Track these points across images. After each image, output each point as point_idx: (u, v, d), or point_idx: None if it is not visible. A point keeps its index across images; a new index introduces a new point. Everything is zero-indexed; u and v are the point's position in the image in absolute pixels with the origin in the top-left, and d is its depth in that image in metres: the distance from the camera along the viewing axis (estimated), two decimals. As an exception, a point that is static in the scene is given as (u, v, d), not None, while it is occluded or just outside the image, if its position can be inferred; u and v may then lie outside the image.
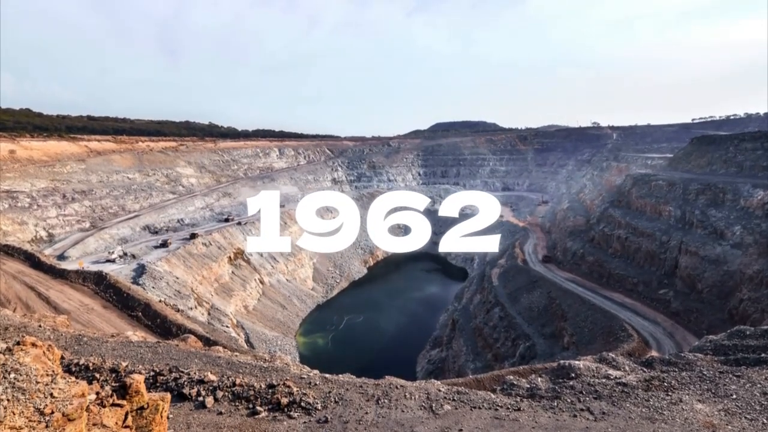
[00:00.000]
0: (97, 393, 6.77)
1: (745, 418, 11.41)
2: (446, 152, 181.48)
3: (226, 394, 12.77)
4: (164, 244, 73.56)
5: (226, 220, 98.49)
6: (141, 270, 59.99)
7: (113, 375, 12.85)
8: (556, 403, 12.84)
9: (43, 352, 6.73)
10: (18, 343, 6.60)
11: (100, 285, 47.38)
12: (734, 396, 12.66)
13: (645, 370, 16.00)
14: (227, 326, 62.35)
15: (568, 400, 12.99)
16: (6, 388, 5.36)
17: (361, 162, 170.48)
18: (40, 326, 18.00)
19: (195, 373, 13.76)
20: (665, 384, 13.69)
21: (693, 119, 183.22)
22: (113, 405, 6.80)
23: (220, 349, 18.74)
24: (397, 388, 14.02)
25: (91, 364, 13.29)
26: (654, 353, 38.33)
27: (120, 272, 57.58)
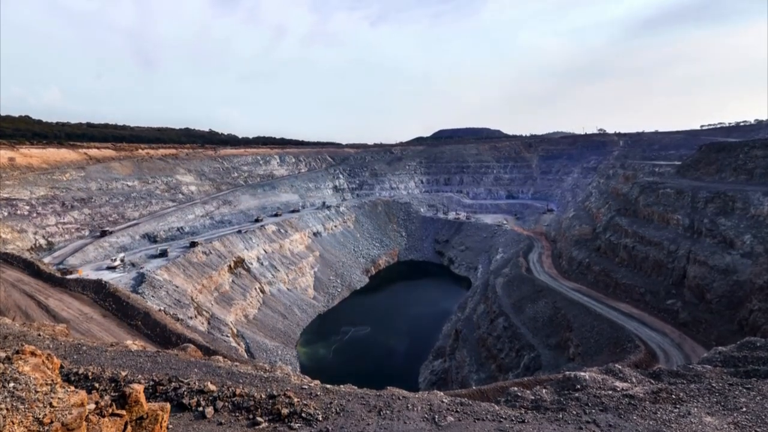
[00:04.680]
0: (97, 403, 6.68)
1: (756, 431, 11.15)
2: (449, 159, 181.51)
3: (226, 404, 12.61)
4: (164, 253, 73.54)
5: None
6: (140, 279, 59.92)
7: (112, 384, 12.71)
8: (561, 416, 12.60)
9: (43, 361, 6.68)
10: (17, 352, 6.55)
11: (99, 294, 47.28)
12: (744, 409, 12.40)
13: (652, 382, 15.72)
14: (227, 336, 61.96)
15: (574, 413, 12.75)
16: (5, 397, 5.29)
17: (362, 169, 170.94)
18: (39, 335, 17.89)
19: (195, 383, 13.60)
20: (673, 396, 13.44)
21: (701, 126, 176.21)
22: (112, 415, 6.72)
23: (220, 358, 18.56)
24: (399, 399, 13.82)
25: (90, 374, 13.16)
26: (661, 365, 37.77)
27: (119, 281, 57.54)
